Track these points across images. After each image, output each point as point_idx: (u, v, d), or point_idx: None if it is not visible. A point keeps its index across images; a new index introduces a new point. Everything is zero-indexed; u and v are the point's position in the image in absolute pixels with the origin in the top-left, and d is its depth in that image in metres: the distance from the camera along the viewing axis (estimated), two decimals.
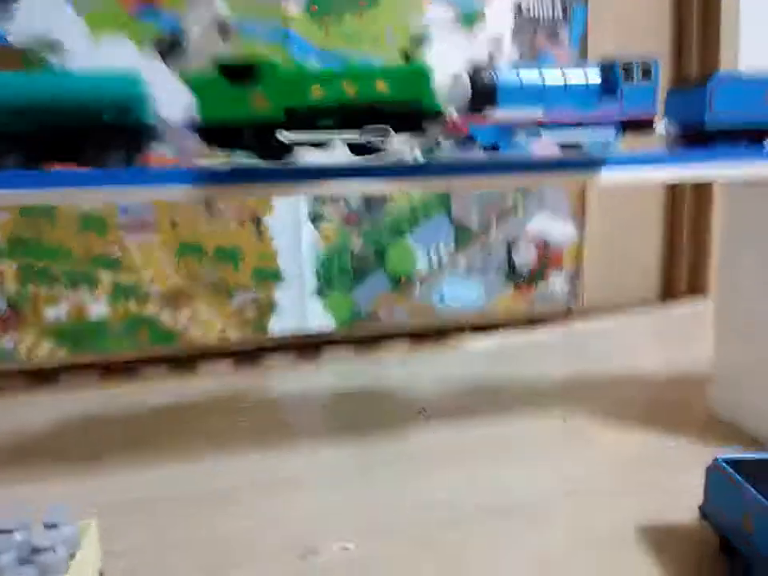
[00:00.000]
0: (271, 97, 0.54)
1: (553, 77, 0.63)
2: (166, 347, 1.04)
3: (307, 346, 1.11)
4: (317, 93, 0.54)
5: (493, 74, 0.62)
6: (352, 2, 1.02)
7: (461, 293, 1.18)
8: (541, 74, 0.62)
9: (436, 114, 0.57)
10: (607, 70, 0.64)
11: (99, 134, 0.53)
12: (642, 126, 0.63)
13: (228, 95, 0.53)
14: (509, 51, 1.11)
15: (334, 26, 1.02)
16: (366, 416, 0.85)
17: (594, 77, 0.63)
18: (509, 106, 0.60)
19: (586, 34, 1.19)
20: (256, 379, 1.02)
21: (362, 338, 1.14)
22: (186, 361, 1.05)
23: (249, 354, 1.09)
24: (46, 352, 0.98)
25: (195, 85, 0.54)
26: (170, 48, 0.96)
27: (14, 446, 0.78)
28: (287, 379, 1.02)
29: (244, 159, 0.57)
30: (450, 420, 0.81)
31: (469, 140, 0.62)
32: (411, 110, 0.56)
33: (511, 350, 1.12)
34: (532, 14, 1.15)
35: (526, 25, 1.15)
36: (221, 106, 0.54)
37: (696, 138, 0.66)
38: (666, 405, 0.83)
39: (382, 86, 0.54)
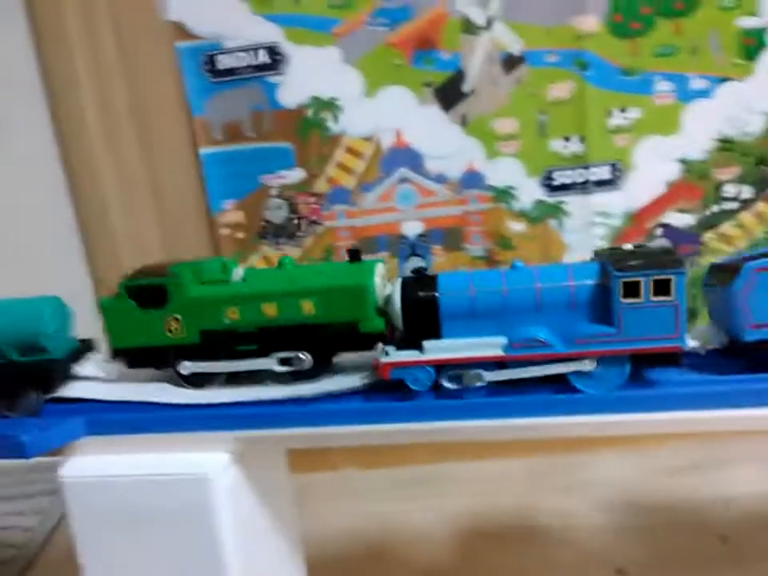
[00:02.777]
0: (184, 320, 0.48)
1: (521, 289, 0.44)
2: None
3: None
4: (232, 315, 0.48)
5: (434, 288, 0.44)
6: (665, 3, 0.82)
7: None
8: (503, 284, 0.44)
9: (379, 335, 0.46)
10: (605, 278, 0.43)
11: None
12: (659, 360, 0.43)
13: (139, 319, 0.49)
14: None
15: (643, 38, 0.83)
16: None
17: (584, 288, 0.43)
18: (455, 334, 0.44)
19: None
20: None
21: None
22: None
23: None
24: None
25: (105, 310, 0.50)
26: (448, 91, 0.85)
27: None
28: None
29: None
30: None
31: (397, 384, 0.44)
32: (347, 332, 0.47)
33: None
34: None
35: None
36: (134, 331, 0.49)
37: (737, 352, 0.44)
38: None
39: (308, 307, 0.46)
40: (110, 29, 0.84)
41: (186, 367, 0.48)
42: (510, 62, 0.84)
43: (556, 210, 0.89)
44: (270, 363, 0.48)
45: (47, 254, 0.91)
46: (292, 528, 0.55)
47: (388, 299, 0.46)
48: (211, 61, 0.84)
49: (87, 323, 0.97)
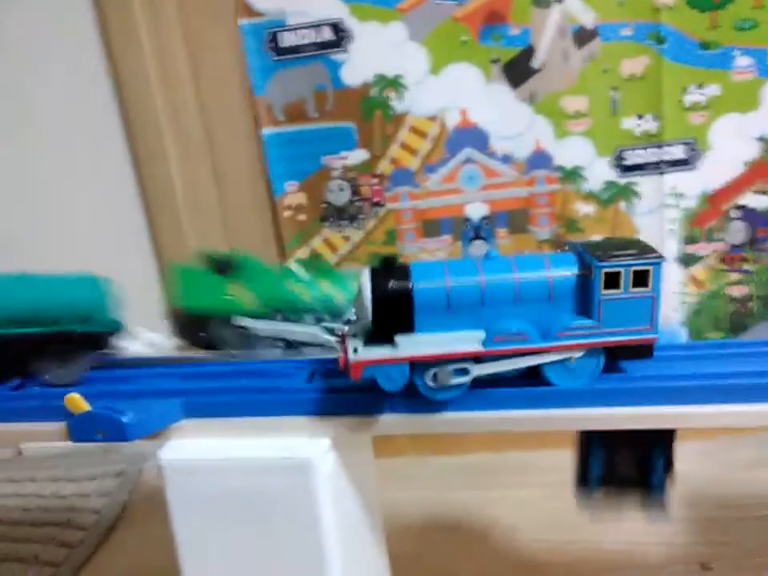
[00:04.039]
0: (249, 287, 0.53)
1: (499, 280, 0.41)
2: None
3: None
4: (294, 288, 0.53)
5: (407, 279, 0.41)
6: None
7: None
8: (481, 275, 0.41)
9: None
10: (584, 269, 0.42)
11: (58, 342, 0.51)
12: (633, 352, 0.42)
13: (208, 284, 0.54)
14: None
15: (722, 11, 0.79)
16: None
17: (563, 279, 0.41)
18: (429, 328, 0.41)
19: None
20: None
21: None
22: None
23: None
24: None
25: (178, 273, 0.55)
26: (517, 68, 0.82)
27: None
28: None
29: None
30: None
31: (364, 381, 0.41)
32: None
33: None
34: None
35: None
36: (200, 295, 0.54)
37: None
38: None
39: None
40: (175, 5, 0.83)
41: (241, 321, 0.52)
42: (582, 36, 0.81)
43: (627, 192, 0.86)
44: (315, 332, 0.50)
45: (113, 234, 0.92)
46: (377, 514, 0.54)
47: (358, 290, 0.42)
48: (274, 38, 0.83)
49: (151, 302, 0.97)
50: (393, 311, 0.41)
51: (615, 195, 0.86)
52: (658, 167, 0.84)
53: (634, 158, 0.84)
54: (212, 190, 0.89)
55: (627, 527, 0.75)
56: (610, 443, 0.47)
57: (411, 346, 0.40)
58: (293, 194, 0.89)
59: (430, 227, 0.89)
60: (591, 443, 0.47)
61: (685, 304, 0.89)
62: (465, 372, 0.41)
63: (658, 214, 0.86)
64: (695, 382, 0.42)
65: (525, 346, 0.41)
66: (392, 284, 0.41)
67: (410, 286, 0.41)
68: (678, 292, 0.89)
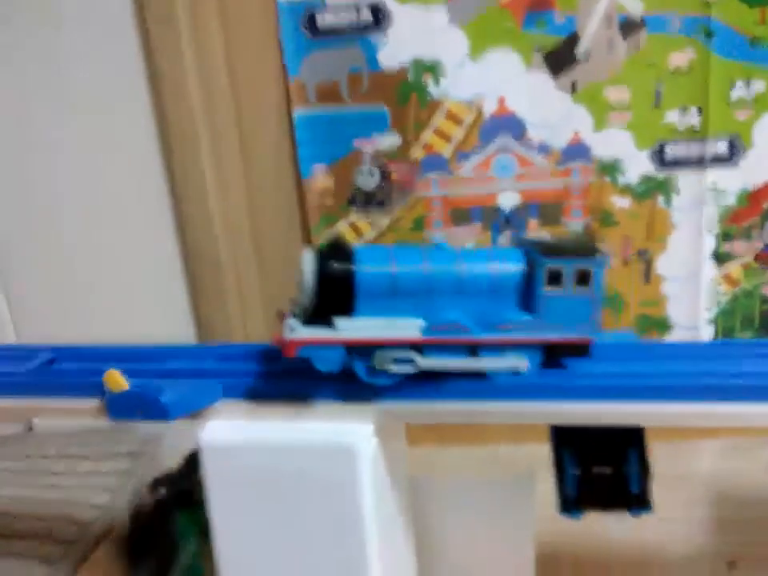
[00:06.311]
0: None
1: (443, 269, 0.41)
2: None
3: None
4: None
5: (350, 261, 0.40)
6: None
7: None
8: (426, 263, 0.41)
9: None
10: (529, 265, 0.41)
11: None
12: (571, 351, 0.42)
13: None
14: None
15: None
16: None
17: (507, 274, 0.41)
18: (370, 313, 0.40)
19: None
20: None
21: None
22: None
23: None
24: None
25: None
26: (559, 56, 0.80)
27: None
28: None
29: None
30: None
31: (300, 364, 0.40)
32: None
33: None
34: None
35: None
36: None
37: None
38: None
39: None
40: None
41: None
42: (629, 27, 0.78)
43: (665, 186, 0.84)
44: None
45: (137, 215, 0.91)
46: (407, 504, 0.52)
47: (300, 271, 0.41)
48: (311, 18, 0.81)
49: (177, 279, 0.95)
50: (334, 293, 0.40)
51: (653, 189, 0.84)
52: (699, 162, 0.82)
53: (675, 152, 0.82)
54: (240, 169, 0.87)
55: (650, 524, 0.74)
56: (582, 459, 0.47)
57: (349, 329, 0.40)
58: (321, 177, 0.87)
59: (460, 216, 0.87)
60: (564, 465, 0.48)
61: (718, 302, 0.87)
62: (403, 360, 0.40)
63: (696, 211, 0.84)
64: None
65: (463, 337, 0.40)
66: (334, 266, 0.40)
67: (353, 269, 0.40)
68: (712, 290, 0.87)
